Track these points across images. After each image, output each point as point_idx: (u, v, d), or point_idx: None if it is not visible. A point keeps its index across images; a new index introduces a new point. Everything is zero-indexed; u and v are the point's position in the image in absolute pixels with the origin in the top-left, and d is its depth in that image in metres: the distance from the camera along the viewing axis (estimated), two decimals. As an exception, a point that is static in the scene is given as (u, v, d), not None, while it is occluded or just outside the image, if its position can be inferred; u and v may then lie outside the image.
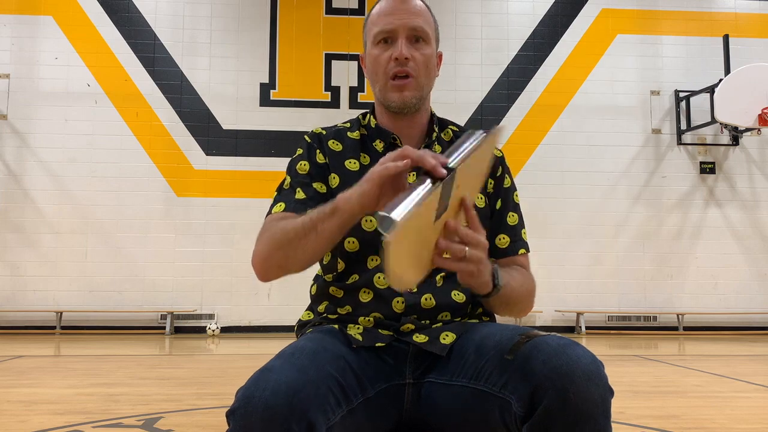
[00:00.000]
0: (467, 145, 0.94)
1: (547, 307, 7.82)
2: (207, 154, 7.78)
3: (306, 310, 1.33)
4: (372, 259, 1.22)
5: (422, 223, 0.88)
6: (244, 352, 5.78)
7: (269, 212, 1.24)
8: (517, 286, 1.19)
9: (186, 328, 7.57)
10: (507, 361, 0.98)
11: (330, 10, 8.13)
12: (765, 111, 7.24)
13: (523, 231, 1.34)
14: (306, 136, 1.33)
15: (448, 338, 1.14)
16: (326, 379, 0.95)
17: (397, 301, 1.19)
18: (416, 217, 0.84)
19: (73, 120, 7.70)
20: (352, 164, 1.27)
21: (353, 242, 1.21)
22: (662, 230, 8.09)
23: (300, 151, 1.31)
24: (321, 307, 1.27)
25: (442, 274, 1.22)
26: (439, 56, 1.33)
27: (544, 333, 1.00)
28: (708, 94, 7.88)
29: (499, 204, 1.31)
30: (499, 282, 1.09)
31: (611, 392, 0.93)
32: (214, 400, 3.28)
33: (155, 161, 7.72)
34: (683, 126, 8.20)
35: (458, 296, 1.22)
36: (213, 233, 7.61)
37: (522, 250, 1.33)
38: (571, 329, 7.87)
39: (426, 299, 1.19)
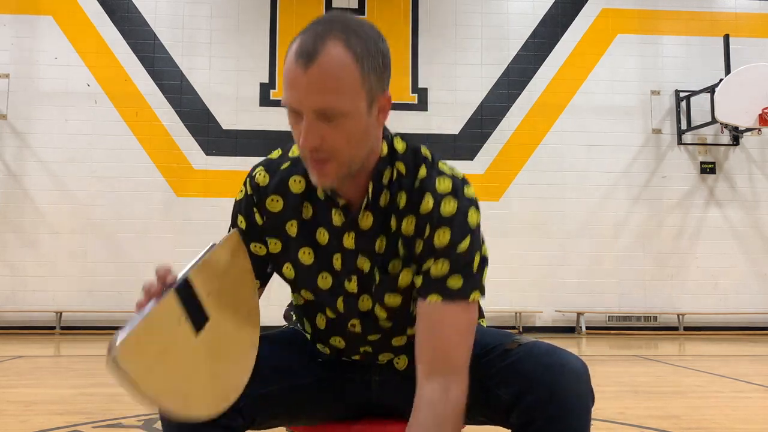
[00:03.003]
0: (199, 256, 0.99)
1: (547, 307, 7.82)
2: (207, 154, 7.78)
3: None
4: (321, 317, 1.18)
5: (173, 337, 0.88)
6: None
7: None
8: None
9: (186, 328, 7.57)
10: (498, 359, 1.05)
11: (330, 10, 8.13)
12: (765, 111, 7.24)
13: (452, 278, 1.02)
14: (248, 184, 1.14)
15: (400, 362, 1.19)
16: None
17: (356, 357, 1.20)
18: (150, 331, 0.85)
19: (73, 120, 7.70)
20: (291, 227, 1.11)
21: (306, 294, 1.18)
22: (662, 230, 8.08)
23: (241, 194, 1.15)
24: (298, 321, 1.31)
25: (399, 337, 1.16)
26: (387, 100, 1.01)
27: (534, 339, 1.07)
28: (708, 94, 7.88)
29: (429, 263, 1.04)
30: None
31: (593, 396, 1.00)
32: (214, 400, 3.27)
33: (155, 161, 7.72)
34: (683, 126, 8.20)
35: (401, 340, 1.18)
36: (213, 233, 7.59)
37: (433, 297, 1.02)
38: (571, 329, 7.87)
39: (385, 356, 1.19)
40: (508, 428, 1.05)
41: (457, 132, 8.00)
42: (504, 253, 7.50)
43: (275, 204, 1.11)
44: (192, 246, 7.60)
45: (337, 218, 1.09)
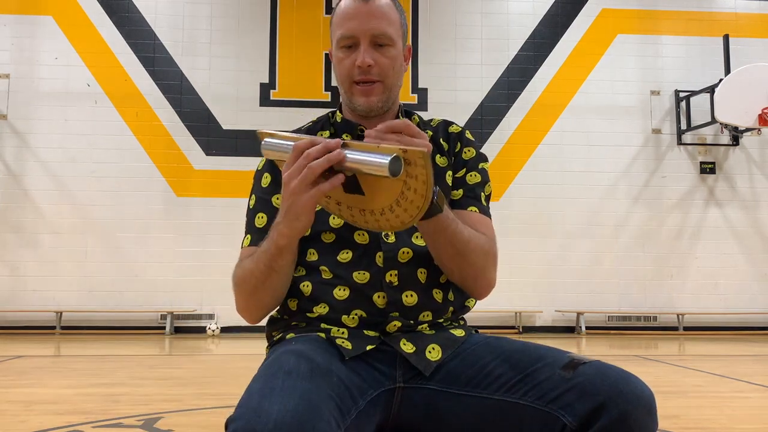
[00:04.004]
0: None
1: (547, 307, 7.82)
2: (207, 154, 7.77)
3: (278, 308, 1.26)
4: (345, 252, 1.18)
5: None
6: (244, 352, 5.78)
7: (242, 244, 1.28)
8: (464, 230, 1.12)
9: (186, 328, 7.57)
10: (560, 378, 1.00)
11: (330, 10, 8.13)
12: (765, 111, 7.24)
13: (483, 194, 1.28)
14: None
15: (434, 352, 1.11)
16: (327, 403, 0.90)
17: (378, 296, 1.14)
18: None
19: (73, 120, 7.70)
20: None
21: (329, 234, 1.19)
22: (662, 230, 8.08)
23: (263, 162, 1.29)
24: (292, 304, 1.20)
25: (423, 270, 1.18)
26: (408, 49, 1.29)
27: (592, 358, 1.03)
28: (708, 94, 7.88)
29: (462, 172, 1.29)
30: (436, 201, 0.99)
31: (657, 427, 0.99)
32: (214, 400, 3.28)
33: (155, 161, 7.72)
34: (683, 126, 8.20)
35: (438, 295, 1.19)
36: (213, 233, 7.61)
37: (472, 208, 1.24)
38: (571, 329, 7.87)
39: (407, 296, 1.16)
40: None
41: (457, 132, 7.99)
42: (504, 253, 7.40)
43: None
44: (192, 246, 7.61)
45: None
